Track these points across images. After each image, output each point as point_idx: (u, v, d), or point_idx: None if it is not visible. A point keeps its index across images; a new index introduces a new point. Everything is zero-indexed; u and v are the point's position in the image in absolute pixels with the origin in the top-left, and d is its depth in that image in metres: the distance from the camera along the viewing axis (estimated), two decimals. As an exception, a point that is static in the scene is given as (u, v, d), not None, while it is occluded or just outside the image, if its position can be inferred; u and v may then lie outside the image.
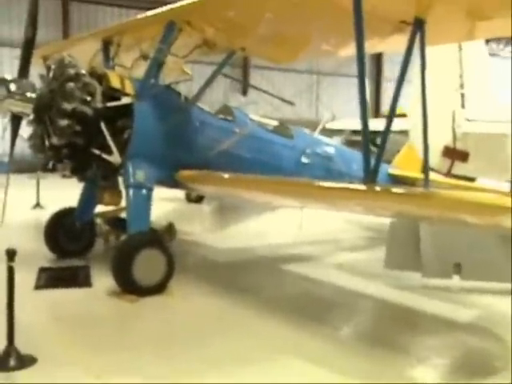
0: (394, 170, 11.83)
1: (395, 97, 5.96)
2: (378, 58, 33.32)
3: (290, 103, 9.12)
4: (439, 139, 7.80)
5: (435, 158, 8.71)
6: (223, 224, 12.53)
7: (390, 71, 33.34)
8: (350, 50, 8.26)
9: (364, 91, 5.67)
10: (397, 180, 11.43)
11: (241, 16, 7.41)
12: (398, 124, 17.47)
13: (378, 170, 5.93)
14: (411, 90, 7.91)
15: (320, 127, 10.95)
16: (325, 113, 20.28)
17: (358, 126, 17.14)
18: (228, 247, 10.79)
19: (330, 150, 10.73)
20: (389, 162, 12.95)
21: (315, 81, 31.12)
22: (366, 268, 9.42)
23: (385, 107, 32.07)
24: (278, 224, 12.50)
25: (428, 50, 7.43)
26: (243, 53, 8.30)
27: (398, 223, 8.32)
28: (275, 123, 10.15)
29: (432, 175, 12.34)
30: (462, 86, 8.36)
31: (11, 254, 5.19)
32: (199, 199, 15.34)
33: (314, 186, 5.97)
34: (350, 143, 18.88)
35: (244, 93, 28.08)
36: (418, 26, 5.95)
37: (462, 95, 8.44)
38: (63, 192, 11.09)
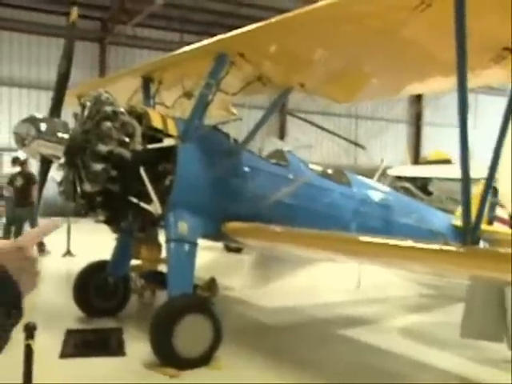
0: (457, 220, 10.64)
1: (499, 142, 4.87)
2: (417, 101, 32.33)
3: (362, 147, 8.11)
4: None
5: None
6: (267, 278, 11.45)
7: (431, 115, 32.37)
8: (414, 89, 7.36)
9: (466, 135, 4.61)
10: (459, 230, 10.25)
11: (302, 47, 6.45)
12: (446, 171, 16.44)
13: (480, 228, 4.80)
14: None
15: (378, 173, 9.89)
16: (381, 158, 19.28)
17: (413, 172, 16.12)
18: (275, 306, 9.63)
19: (389, 199, 9.64)
20: (439, 209, 11.90)
21: (354, 124, 30.21)
22: (435, 334, 8.18)
23: (424, 152, 30.95)
24: (330, 279, 11.35)
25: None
26: (302, 89, 7.30)
27: (479, 285, 7.16)
28: (330, 169, 9.13)
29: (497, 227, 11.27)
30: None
31: (31, 330, 4.14)
32: (239, 249, 14.26)
33: (400, 246, 4.85)
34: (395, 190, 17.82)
35: (281, 137, 27.22)
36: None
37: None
38: (96, 238, 10.13)
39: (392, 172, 16.14)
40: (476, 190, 11.23)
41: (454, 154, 27.26)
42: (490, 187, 4.94)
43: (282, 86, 7.41)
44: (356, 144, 7.69)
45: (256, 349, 7.10)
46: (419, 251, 4.68)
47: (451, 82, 6.22)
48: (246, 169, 7.53)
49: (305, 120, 9.30)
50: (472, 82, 4.90)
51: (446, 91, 6.67)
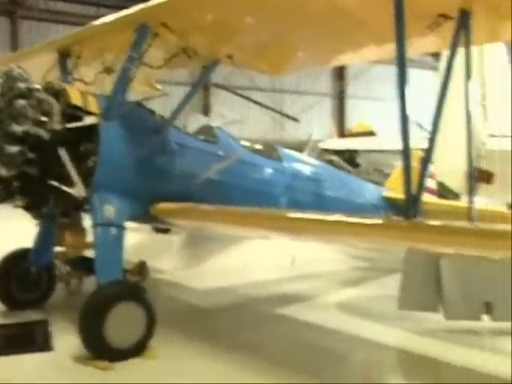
0: (389, 192, 10.66)
1: (437, 113, 4.73)
2: (340, 74, 32.52)
3: (295, 120, 7.88)
4: (462, 158, 6.64)
5: (457, 181, 7.57)
6: (198, 258, 11.18)
7: (354, 88, 32.69)
8: (347, 59, 7.18)
9: (405, 106, 4.44)
10: (392, 203, 10.27)
11: (229, 16, 6.12)
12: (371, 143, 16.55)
13: (420, 201, 4.68)
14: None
15: (308, 147, 9.73)
16: (309, 132, 19.21)
17: (342, 145, 16.08)
18: (208, 287, 9.34)
19: (321, 173, 9.51)
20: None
21: (278, 98, 30.01)
22: (371, 308, 8.16)
23: (349, 125, 31.28)
24: (263, 256, 11.16)
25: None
26: (230, 62, 6.97)
27: (415, 258, 7.14)
28: (260, 145, 8.88)
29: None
30: (484, 98, 7.26)
31: None
32: (167, 229, 13.86)
33: (343, 222, 4.66)
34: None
35: (206, 114, 26.74)
36: (463, 20, 4.75)
37: (484, 107, 7.35)
38: (16, 225, 9.51)
39: (322, 145, 16.09)
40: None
41: (377, 126, 27.78)
42: (430, 159, 4.80)
43: (209, 59, 7.05)
44: (288, 117, 7.47)
45: (191, 334, 6.83)
46: (362, 226, 4.51)
47: (385, 51, 6.09)
48: (174, 146, 7.17)
49: (238, 94, 8.99)
50: (408, 50, 4.71)
51: (379, 60, 6.49)
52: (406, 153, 4.59)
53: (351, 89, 32.71)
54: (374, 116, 31.61)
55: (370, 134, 23.07)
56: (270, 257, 11.16)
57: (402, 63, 4.48)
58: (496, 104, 7.48)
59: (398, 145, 13.30)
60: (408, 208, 4.60)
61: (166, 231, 14.23)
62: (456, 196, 13.82)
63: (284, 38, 6.56)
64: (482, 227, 4.18)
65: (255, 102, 8.44)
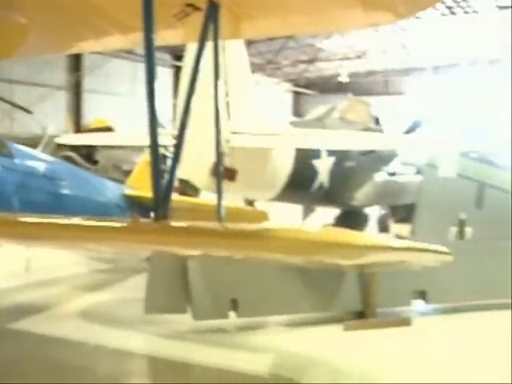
0: (130, 190, 10.27)
1: (185, 110, 4.48)
2: (76, 67, 31.12)
3: (28, 111, 7.01)
4: (207, 155, 6.55)
5: (203, 177, 7.46)
6: None
7: (92, 82, 31.60)
8: (87, 46, 6.62)
9: (153, 100, 4.09)
10: (134, 202, 9.93)
11: None
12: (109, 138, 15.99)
13: (170, 201, 4.38)
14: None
15: (43, 143, 8.90)
16: (43, 126, 17.75)
17: (81, 140, 15.17)
18: None
19: (58, 171, 8.75)
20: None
21: (8, 89, 27.61)
22: (118, 313, 7.71)
23: (86, 120, 30.11)
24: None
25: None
26: None
27: (161, 259, 6.91)
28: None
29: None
30: (227, 94, 7.26)
31: None
32: None
33: (85, 226, 4.15)
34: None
35: None
36: (211, 12, 4.55)
37: (227, 104, 7.36)
38: None
39: (59, 141, 15.05)
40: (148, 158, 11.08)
41: (115, 122, 27.23)
42: (179, 156, 4.52)
43: None
44: (21, 108, 6.68)
45: None
46: (109, 231, 4.06)
47: (129, 39, 5.68)
48: None
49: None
50: (159, 41, 4.37)
51: (118, 54, 6.05)
52: (154, 150, 4.24)
53: (88, 82, 31.53)
54: (112, 111, 30.96)
55: (108, 129, 22.43)
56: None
57: (150, 54, 4.12)
58: (237, 101, 7.57)
59: (137, 141, 12.99)
60: (157, 209, 4.26)
61: None
62: (196, 192, 14.03)
63: (12, 16, 5.76)
64: (233, 228, 4.03)
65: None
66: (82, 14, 5.29)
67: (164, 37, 5.10)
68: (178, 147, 4.49)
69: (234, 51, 7.48)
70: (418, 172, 11.78)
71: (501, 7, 25.01)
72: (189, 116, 4.50)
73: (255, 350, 6.48)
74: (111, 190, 10.00)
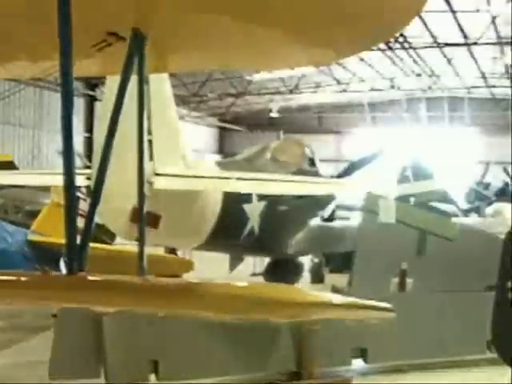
0: (34, 235, 9.98)
1: (106, 147, 4.43)
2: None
3: None
4: (127, 199, 6.47)
5: (122, 223, 7.34)
6: None
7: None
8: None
9: (70, 133, 4.01)
10: (41, 250, 9.65)
11: None
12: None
13: (87, 250, 4.28)
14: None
15: None
16: None
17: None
18: None
19: None
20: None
21: None
22: (16, 379, 7.36)
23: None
24: None
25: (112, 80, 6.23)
26: None
27: (69, 313, 6.68)
28: None
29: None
30: (149, 132, 7.21)
31: None
32: None
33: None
34: None
35: None
36: (136, 42, 4.54)
37: (150, 143, 7.30)
38: None
39: None
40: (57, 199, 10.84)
41: (17, 156, 26.55)
42: (98, 199, 4.44)
43: None
44: None
45: None
46: (16, 286, 3.91)
47: (40, 68, 5.58)
48: None
49: None
50: (77, 71, 4.32)
51: (39, 76, 5.96)
52: (69, 192, 4.12)
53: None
54: (15, 144, 30.29)
55: (10, 165, 21.89)
56: None
57: (67, 84, 4.05)
58: (161, 139, 7.53)
59: (44, 180, 12.67)
60: (71, 260, 4.13)
61: None
62: (111, 238, 13.79)
63: None
64: (158, 284, 3.97)
65: None
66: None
67: (81, 67, 5.06)
68: (98, 188, 4.40)
69: (157, 84, 7.49)
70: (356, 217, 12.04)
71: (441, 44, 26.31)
72: (110, 154, 4.45)
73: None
74: (13, 235, 9.70)
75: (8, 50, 5.51)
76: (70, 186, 4.16)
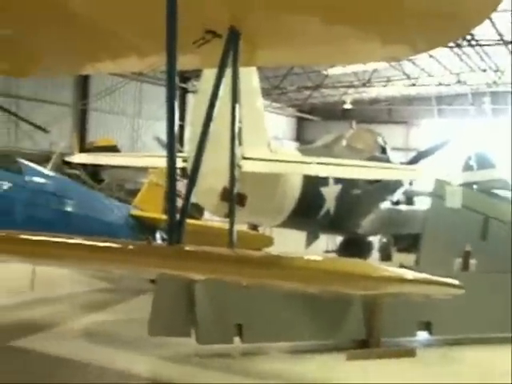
0: (136, 211, 10.29)
1: (203, 133, 4.51)
2: (83, 85, 31.30)
3: (44, 130, 7.05)
4: (218, 180, 6.57)
5: (213, 202, 7.47)
6: None
7: (98, 101, 31.70)
8: (104, 67, 6.67)
9: (173, 123, 4.11)
10: (140, 223, 9.93)
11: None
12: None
13: (184, 224, 4.38)
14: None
15: (53, 160, 8.93)
16: (58, 143, 17.84)
17: (90, 160, 15.20)
18: None
19: (66, 189, 8.79)
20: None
21: (14, 105, 27.69)
22: (122, 334, 7.65)
23: (90, 138, 30.20)
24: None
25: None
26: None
27: (167, 280, 6.86)
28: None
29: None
30: (240, 120, 7.26)
31: None
32: None
33: (101, 247, 4.14)
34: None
35: None
36: (232, 39, 4.58)
37: (240, 130, 7.37)
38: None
39: (72, 159, 15.08)
40: (155, 179, 11.12)
41: (120, 142, 27.36)
42: (195, 181, 4.52)
43: None
44: (37, 126, 6.73)
45: None
46: (123, 253, 4.05)
47: (146, 63, 5.73)
48: None
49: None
50: (178, 66, 4.40)
51: (145, 71, 6.11)
52: (171, 173, 4.23)
53: (94, 101, 31.68)
54: (117, 131, 31.17)
55: (113, 148, 22.63)
56: (4, 279, 9.95)
57: (171, 77, 4.14)
58: (249, 126, 7.59)
59: (141, 161, 13.00)
60: (171, 233, 4.24)
61: None
62: (200, 214, 14.03)
63: (34, 35, 5.80)
64: (248, 255, 4.04)
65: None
66: (103, 37, 5.33)
67: (182, 62, 5.14)
68: (195, 171, 4.49)
69: (247, 77, 7.54)
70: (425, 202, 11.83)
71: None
72: (207, 141, 4.53)
73: (258, 376, 6.42)
74: (118, 210, 10.02)
75: (119, 48, 5.68)
76: (171, 168, 4.27)
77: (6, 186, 7.50)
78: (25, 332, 7.50)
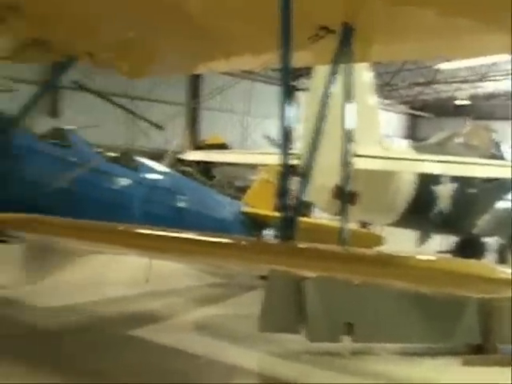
0: (247, 208, 10.39)
1: (316, 131, 4.48)
2: (194, 82, 32.15)
3: (160, 127, 7.32)
4: (330, 177, 6.52)
5: (325, 199, 7.44)
6: (44, 271, 10.17)
7: (209, 100, 32.43)
8: (218, 65, 6.79)
9: (286, 120, 4.11)
10: (251, 220, 10.03)
11: (88, 7, 5.46)
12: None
13: (297, 221, 4.38)
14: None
15: (168, 157, 9.22)
16: (174, 141, 18.51)
17: (202, 157, 15.58)
18: (52, 305, 8.46)
19: (180, 186, 9.02)
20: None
21: (130, 105, 28.83)
22: (232, 329, 7.78)
23: (202, 136, 30.97)
24: (114, 271, 10.36)
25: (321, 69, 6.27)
26: (89, 60, 6.29)
27: (277, 278, 6.89)
28: (116, 152, 8.23)
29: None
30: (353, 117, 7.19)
31: None
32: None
33: (215, 243, 4.22)
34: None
35: (54, 115, 25.14)
36: (345, 35, 4.53)
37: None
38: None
39: (186, 156, 15.57)
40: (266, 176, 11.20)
41: (230, 139, 27.84)
42: (308, 178, 4.52)
43: (66, 54, 6.32)
44: (153, 124, 6.99)
45: (31, 362, 6.04)
46: (237, 249, 4.11)
47: (260, 60, 5.78)
48: (17, 150, 6.35)
49: (104, 96, 8.21)
50: (293, 63, 4.41)
51: (257, 69, 6.18)
52: (284, 171, 4.25)
53: (206, 100, 32.45)
54: (227, 128, 31.75)
55: (223, 146, 23.07)
56: (121, 271, 10.40)
57: (286, 75, 4.15)
58: (361, 123, 7.47)
59: (251, 159, 13.13)
60: (284, 229, 4.26)
61: (3, 240, 12.97)
62: (308, 211, 13.98)
63: (149, 37, 6.02)
64: (363, 254, 3.97)
65: (120, 107, 7.81)
66: (217, 36, 5.44)
67: (296, 59, 5.15)
68: (308, 169, 4.48)
69: (360, 73, 7.42)
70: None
71: None
72: (320, 138, 4.51)
73: (369, 377, 6.32)
74: (230, 206, 10.17)
75: (232, 47, 5.77)
76: (285, 166, 4.29)
77: (124, 182, 7.81)
78: (141, 323, 7.80)
